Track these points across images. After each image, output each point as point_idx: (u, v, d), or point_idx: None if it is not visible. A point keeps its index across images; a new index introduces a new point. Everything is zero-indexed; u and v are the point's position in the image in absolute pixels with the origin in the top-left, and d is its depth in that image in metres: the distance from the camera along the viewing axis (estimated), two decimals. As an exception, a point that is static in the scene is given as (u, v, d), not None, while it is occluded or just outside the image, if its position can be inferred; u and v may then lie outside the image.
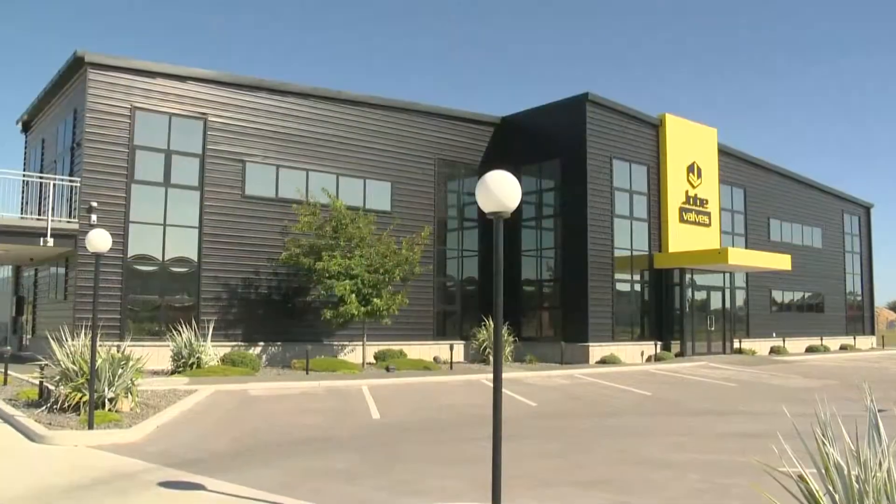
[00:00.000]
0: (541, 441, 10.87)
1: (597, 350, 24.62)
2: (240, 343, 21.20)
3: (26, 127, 27.10)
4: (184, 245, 20.82)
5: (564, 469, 8.81)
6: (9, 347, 17.70)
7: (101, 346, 11.86)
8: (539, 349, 25.16)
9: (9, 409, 12.20)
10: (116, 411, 11.80)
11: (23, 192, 23.02)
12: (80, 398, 11.68)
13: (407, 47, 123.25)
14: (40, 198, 21.89)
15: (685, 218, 28.01)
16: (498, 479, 5.78)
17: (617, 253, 25.87)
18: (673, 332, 27.17)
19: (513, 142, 27.28)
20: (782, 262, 29.04)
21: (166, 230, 20.57)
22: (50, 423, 10.95)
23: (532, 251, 27.16)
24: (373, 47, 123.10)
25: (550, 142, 26.48)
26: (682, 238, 27.78)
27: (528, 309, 27.12)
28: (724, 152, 30.69)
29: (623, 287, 26.30)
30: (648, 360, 25.94)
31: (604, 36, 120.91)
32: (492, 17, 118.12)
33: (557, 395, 16.92)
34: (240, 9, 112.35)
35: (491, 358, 22.77)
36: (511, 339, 24.50)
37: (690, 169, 28.36)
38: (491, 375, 15.24)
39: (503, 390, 6.01)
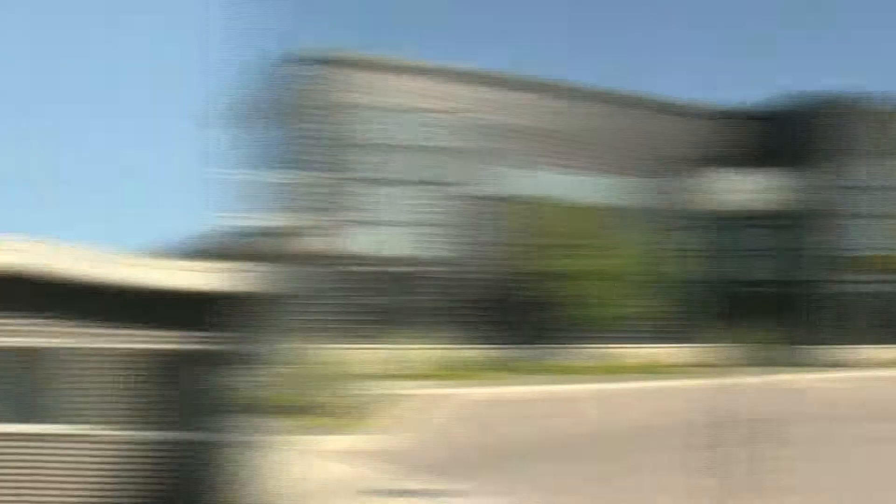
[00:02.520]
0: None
1: None
2: (466, 346, 20.63)
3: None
4: (409, 245, 20.80)
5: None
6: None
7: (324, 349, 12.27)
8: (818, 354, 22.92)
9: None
10: (370, 418, 12.06)
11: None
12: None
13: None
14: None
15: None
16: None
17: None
18: None
19: (758, 137, 25.04)
20: None
21: (393, 229, 20.62)
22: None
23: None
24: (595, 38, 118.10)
25: (796, 140, 24.35)
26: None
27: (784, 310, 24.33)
28: None
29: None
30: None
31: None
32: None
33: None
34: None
35: (732, 363, 20.76)
36: (774, 341, 21.93)
37: None
38: (732, 381, 13.78)
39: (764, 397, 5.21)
